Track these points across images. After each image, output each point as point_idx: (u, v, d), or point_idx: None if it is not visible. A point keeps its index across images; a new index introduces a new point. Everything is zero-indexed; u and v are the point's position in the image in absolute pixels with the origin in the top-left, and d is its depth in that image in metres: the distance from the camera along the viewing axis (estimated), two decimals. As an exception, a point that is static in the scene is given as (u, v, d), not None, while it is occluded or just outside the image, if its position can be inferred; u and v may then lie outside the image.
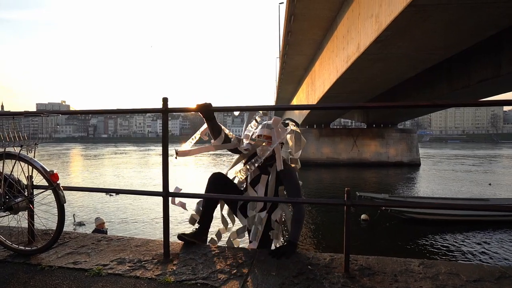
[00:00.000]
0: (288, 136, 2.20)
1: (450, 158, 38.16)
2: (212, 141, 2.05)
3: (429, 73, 13.63)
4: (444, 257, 7.37)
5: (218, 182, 2.10)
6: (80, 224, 9.84)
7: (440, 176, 22.07)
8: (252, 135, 2.14)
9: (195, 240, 1.98)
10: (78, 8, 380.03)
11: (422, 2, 6.40)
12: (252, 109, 2.15)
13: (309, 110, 21.61)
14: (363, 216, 10.01)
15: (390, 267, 1.65)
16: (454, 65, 12.61)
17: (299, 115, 26.76)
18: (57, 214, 1.84)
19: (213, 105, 1.90)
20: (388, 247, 8.04)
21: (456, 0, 6.29)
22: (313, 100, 19.16)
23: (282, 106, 2.27)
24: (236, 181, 2.25)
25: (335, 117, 31.32)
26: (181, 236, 1.97)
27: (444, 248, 7.92)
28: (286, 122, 2.20)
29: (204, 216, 2.07)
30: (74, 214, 10.25)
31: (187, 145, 2.06)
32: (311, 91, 20.12)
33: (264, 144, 1.99)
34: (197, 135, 2.16)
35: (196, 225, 2.08)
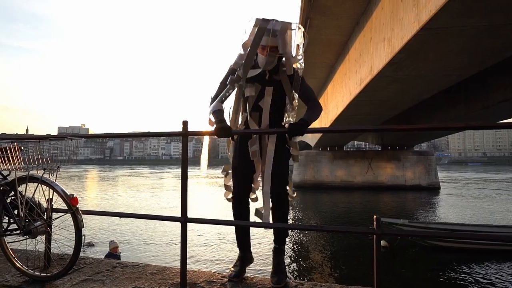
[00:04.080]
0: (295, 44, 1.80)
1: (475, 182, 36.31)
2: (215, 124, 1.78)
3: (446, 94, 13.44)
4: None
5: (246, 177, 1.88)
6: (90, 244, 9.79)
7: (464, 201, 20.83)
8: (249, 43, 1.71)
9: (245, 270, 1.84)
10: (92, 34, 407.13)
11: (434, 26, 6.44)
12: (268, 133, 2.05)
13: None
14: (382, 243, 9.49)
15: (425, 304, 1.50)
16: (471, 85, 12.41)
17: (312, 138, 26.65)
18: (72, 238, 1.81)
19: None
20: (413, 277, 7.49)
21: (470, 23, 6.30)
22: (326, 122, 19.11)
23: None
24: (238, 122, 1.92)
25: (349, 140, 30.97)
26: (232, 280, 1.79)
27: (478, 282, 7.27)
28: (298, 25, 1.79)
29: (241, 239, 1.90)
30: (84, 235, 10.25)
31: (204, 165, 2.04)
32: (324, 114, 20.13)
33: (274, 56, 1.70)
34: (205, 154, 2.08)
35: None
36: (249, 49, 1.70)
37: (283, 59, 1.77)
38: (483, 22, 6.24)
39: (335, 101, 16.62)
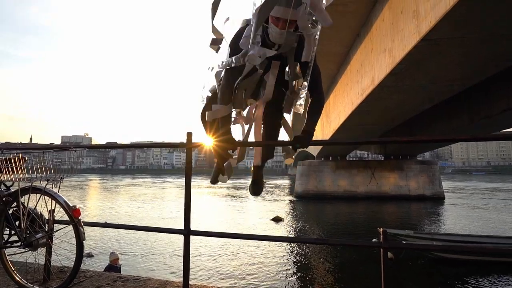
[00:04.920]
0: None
1: (481, 192, 35.74)
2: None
3: (449, 103, 13.42)
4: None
5: None
6: (89, 255, 9.68)
7: (470, 212, 20.37)
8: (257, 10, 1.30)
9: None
10: (96, 43, 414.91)
11: (434, 37, 6.50)
12: (273, 144, 2.02)
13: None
14: (388, 254, 9.28)
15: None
16: (474, 94, 12.38)
17: (314, 148, 26.61)
18: (73, 250, 1.79)
19: None
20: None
21: (470, 34, 6.35)
22: (329, 132, 19.11)
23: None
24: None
25: (351, 149, 30.90)
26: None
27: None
28: None
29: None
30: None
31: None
32: (326, 124, 20.15)
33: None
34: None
35: None
36: (255, 20, 1.31)
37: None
38: (483, 33, 6.29)
39: (337, 111, 16.66)
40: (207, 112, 1.59)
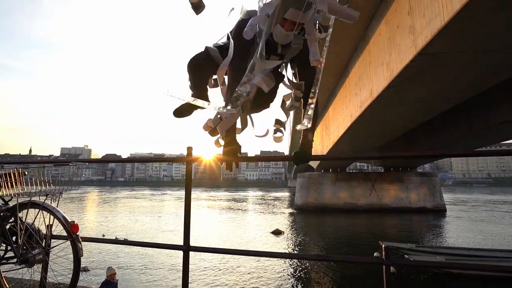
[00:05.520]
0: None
1: (483, 204, 35.43)
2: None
3: (448, 114, 13.52)
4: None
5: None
6: (85, 269, 9.49)
7: (473, 225, 20.01)
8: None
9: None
10: (95, 55, 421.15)
11: (431, 51, 6.61)
12: (271, 159, 2.00)
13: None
14: (390, 269, 9.09)
15: None
16: (474, 106, 12.48)
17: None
18: (70, 265, 1.75)
19: None
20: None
21: (466, 48, 6.47)
22: (328, 144, 19.14)
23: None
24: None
25: (351, 162, 30.84)
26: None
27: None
28: None
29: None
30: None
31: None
32: (325, 136, 20.22)
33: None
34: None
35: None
36: (267, 25, 1.22)
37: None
38: (479, 47, 6.41)
39: (336, 123, 16.75)
40: (222, 124, 1.53)
